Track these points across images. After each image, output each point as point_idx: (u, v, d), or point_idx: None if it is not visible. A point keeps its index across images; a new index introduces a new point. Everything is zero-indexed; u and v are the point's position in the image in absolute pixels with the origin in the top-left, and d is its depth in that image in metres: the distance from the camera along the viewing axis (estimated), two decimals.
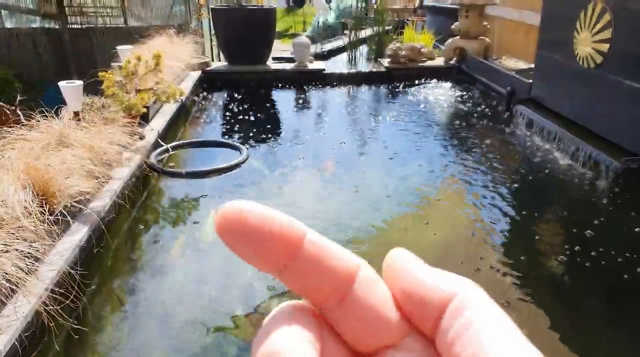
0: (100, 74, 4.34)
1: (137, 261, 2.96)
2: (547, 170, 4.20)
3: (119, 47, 5.45)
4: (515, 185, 3.98)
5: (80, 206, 2.95)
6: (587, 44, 4.43)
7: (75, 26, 7.78)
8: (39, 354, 2.19)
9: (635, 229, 3.23)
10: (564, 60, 4.85)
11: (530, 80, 5.54)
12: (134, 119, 4.34)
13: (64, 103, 3.80)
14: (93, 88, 4.44)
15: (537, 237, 3.23)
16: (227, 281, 2.79)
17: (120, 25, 8.01)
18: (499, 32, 8.05)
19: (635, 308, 2.54)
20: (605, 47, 4.18)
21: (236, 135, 5.11)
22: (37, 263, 2.41)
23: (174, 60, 6.06)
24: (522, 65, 6.72)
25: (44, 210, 2.62)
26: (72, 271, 2.49)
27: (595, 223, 3.41)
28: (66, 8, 7.55)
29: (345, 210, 3.55)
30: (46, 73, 7.45)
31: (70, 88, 3.72)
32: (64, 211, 2.79)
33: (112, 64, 5.34)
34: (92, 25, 7.85)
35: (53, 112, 3.57)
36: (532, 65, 5.75)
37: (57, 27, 7.53)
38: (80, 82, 3.81)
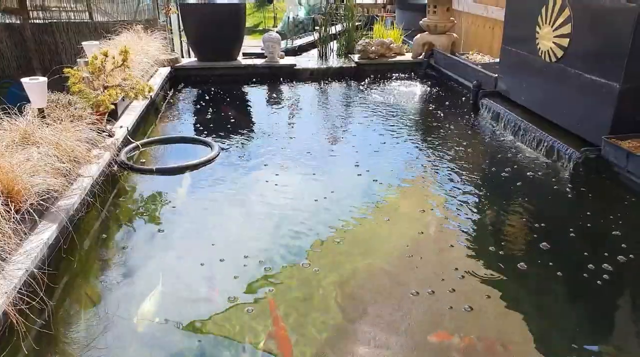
0: (65, 70, 4.25)
1: (107, 261, 2.93)
2: (512, 161, 4.32)
3: (85, 43, 5.34)
4: (481, 177, 4.09)
5: (47, 204, 2.91)
6: (548, 39, 4.57)
7: (38, 21, 7.57)
8: (8, 354, 2.16)
9: (599, 220, 3.37)
10: (528, 55, 4.99)
11: (496, 74, 5.68)
12: (102, 115, 4.27)
13: (28, 100, 3.71)
14: (58, 85, 4.35)
15: (502, 230, 3.33)
16: (195, 281, 2.80)
17: (86, 21, 7.83)
18: (466, 27, 8.20)
19: (595, 294, 2.65)
20: (565, 41, 4.32)
21: (207, 132, 5.08)
22: (3, 263, 2.37)
23: (142, 57, 5.97)
24: (488, 59, 6.87)
25: (9, 208, 2.57)
26: (40, 270, 2.46)
27: (558, 213, 3.54)
28: (27, 2, 7.34)
29: (313, 206, 3.57)
30: (8, 70, 7.24)
31: (34, 84, 3.64)
32: (30, 209, 2.74)
33: (77, 60, 5.23)
34: (55, 21, 7.65)
35: (16, 109, 3.49)
36: (498, 60, 5.89)
37: (18, 22, 7.32)
38: (44, 79, 3.73)
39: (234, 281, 2.71)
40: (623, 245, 2.98)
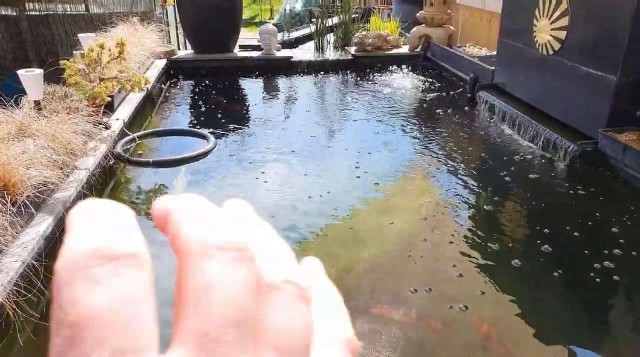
0: (61, 62, 4.23)
1: None
2: (509, 154, 4.33)
3: (81, 35, 5.31)
4: (479, 171, 4.10)
5: (43, 196, 2.91)
6: (545, 32, 4.57)
7: (34, 13, 7.52)
8: (5, 347, 2.17)
9: (596, 214, 3.39)
10: (525, 47, 4.98)
11: (493, 67, 5.67)
12: (99, 108, 4.26)
13: (24, 93, 3.69)
14: (54, 77, 4.33)
15: (499, 225, 3.34)
16: None
17: (82, 12, 7.77)
18: (463, 19, 8.18)
19: (589, 286, 2.67)
20: (562, 34, 4.32)
21: (203, 124, 5.07)
22: None
23: (138, 49, 5.94)
24: (485, 52, 6.86)
25: (6, 201, 2.56)
26: (37, 262, 2.46)
27: (555, 206, 3.56)
28: None
29: (310, 198, 3.58)
30: (4, 62, 7.20)
31: (30, 76, 3.62)
32: (26, 201, 2.73)
33: (73, 52, 5.20)
34: (51, 12, 7.59)
35: (12, 101, 3.48)
36: (495, 53, 5.88)
37: (14, 14, 7.27)
38: (41, 71, 3.71)
39: None
40: (621, 240, 2.98)
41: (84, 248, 0.17)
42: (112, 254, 0.17)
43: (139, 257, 0.17)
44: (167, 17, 8.32)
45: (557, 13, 4.35)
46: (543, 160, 4.19)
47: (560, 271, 2.74)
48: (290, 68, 7.41)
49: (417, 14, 7.64)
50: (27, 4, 7.41)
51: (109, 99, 4.37)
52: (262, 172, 3.96)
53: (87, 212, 0.18)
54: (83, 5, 7.79)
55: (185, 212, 0.19)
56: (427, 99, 6.05)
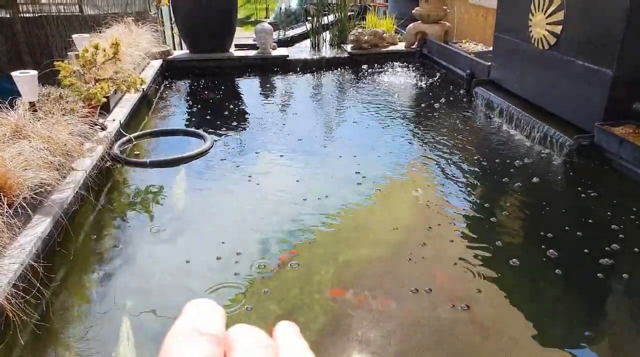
0: (56, 63, 4.22)
1: (102, 254, 2.92)
2: (506, 150, 4.34)
3: (75, 36, 5.29)
4: (477, 168, 4.10)
5: (40, 198, 2.90)
6: (541, 26, 4.57)
7: (28, 15, 7.50)
8: (5, 348, 2.16)
9: (593, 207, 3.39)
10: (520, 43, 4.99)
11: (489, 63, 5.67)
12: (94, 109, 4.24)
13: (19, 94, 3.68)
14: (49, 78, 4.31)
15: (498, 222, 3.33)
16: (185, 274, 2.80)
17: (76, 13, 7.75)
18: (458, 15, 8.19)
19: (587, 281, 2.67)
20: (558, 28, 4.32)
21: (199, 124, 5.06)
22: None
23: (133, 50, 5.92)
24: (482, 48, 6.86)
25: (2, 202, 2.56)
26: (35, 264, 2.45)
27: (553, 201, 3.56)
28: None
29: (306, 199, 3.57)
30: None
31: (25, 78, 3.61)
32: (23, 203, 2.72)
33: (68, 53, 5.18)
34: (45, 14, 7.57)
35: (7, 103, 3.46)
36: (491, 48, 5.88)
37: (7, 16, 7.25)
38: (35, 72, 3.70)
39: (227, 279, 2.70)
40: (621, 235, 2.97)
41: (189, 326, 0.31)
42: (203, 332, 0.30)
43: (218, 337, 0.31)
44: (162, 17, 8.31)
45: (552, 7, 4.35)
46: (540, 155, 4.19)
47: (559, 266, 2.73)
48: (286, 67, 7.40)
49: (413, 11, 7.65)
50: (20, 6, 7.38)
51: (105, 100, 4.36)
52: (250, 176, 3.93)
53: (195, 305, 0.32)
54: (77, 7, 7.77)
55: (234, 331, 0.32)
56: (424, 96, 6.04)
